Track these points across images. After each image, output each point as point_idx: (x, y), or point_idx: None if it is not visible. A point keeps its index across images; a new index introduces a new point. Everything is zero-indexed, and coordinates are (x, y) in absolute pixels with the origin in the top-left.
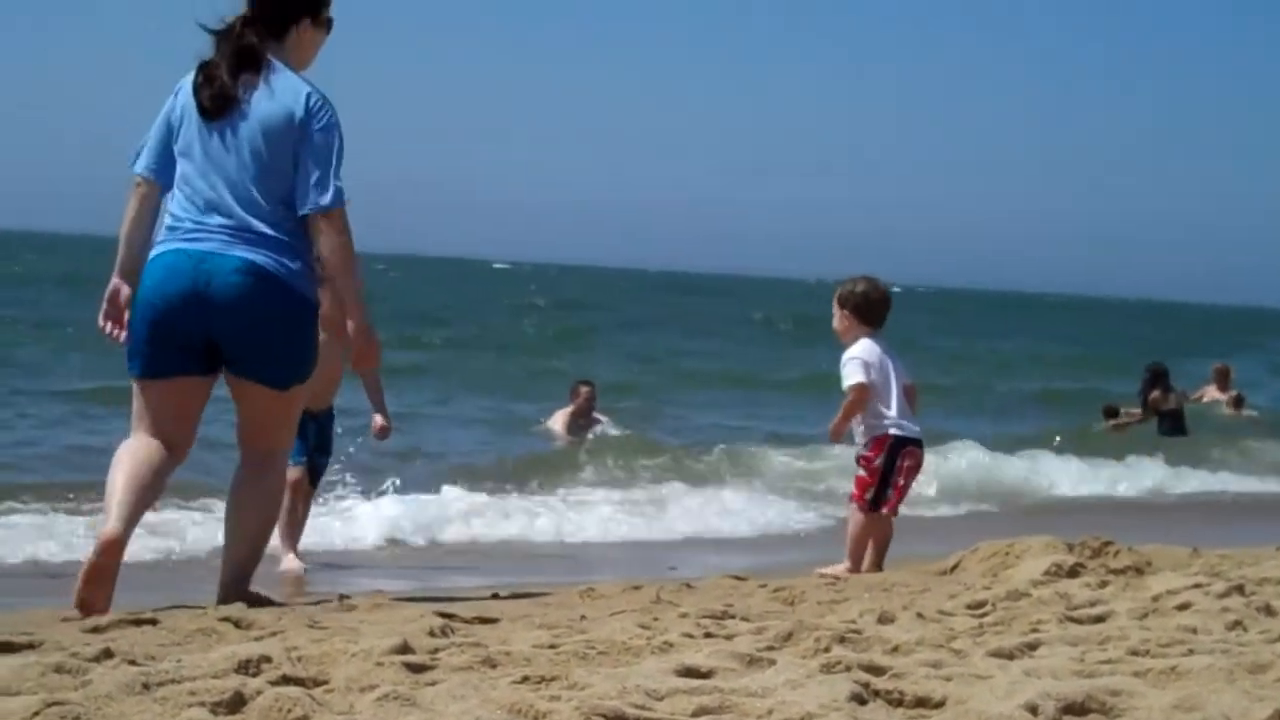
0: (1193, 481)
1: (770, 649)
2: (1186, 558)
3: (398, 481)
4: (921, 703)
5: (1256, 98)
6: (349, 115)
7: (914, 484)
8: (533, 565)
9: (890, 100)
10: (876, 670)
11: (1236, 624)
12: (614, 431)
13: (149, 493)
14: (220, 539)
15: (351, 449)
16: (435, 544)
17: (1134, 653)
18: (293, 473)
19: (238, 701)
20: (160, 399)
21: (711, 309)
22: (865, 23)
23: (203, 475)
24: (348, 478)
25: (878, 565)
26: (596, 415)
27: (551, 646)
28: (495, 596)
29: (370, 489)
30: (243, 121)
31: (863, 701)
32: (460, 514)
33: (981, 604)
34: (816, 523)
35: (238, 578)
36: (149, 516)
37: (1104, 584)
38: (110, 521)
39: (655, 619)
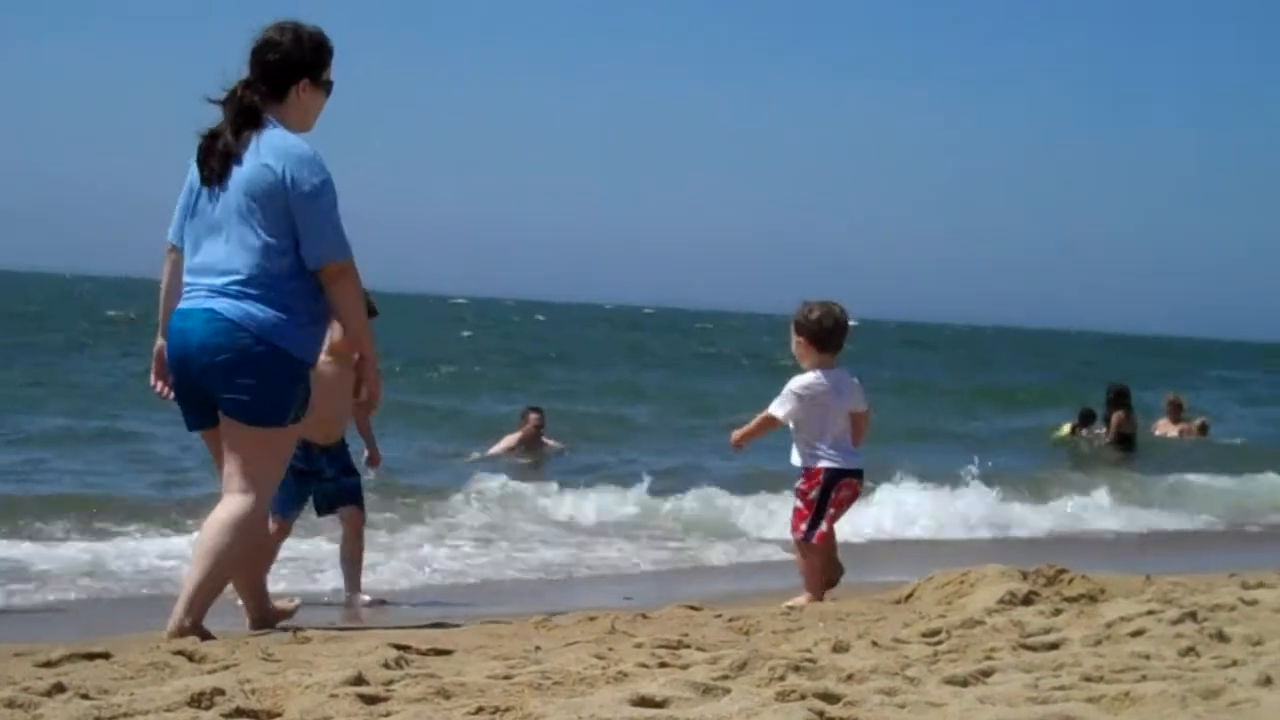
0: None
1: (725, 678)
2: (1140, 585)
3: None
4: None
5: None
6: None
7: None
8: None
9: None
10: (831, 698)
11: (1189, 650)
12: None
13: (257, 568)
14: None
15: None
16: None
17: (1088, 679)
18: (272, 522)
19: None
20: (214, 449)
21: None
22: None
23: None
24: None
25: (834, 581)
26: (547, 440)
27: (506, 677)
28: (449, 627)
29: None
30: (231, 181)
31: None
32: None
33: (936, 632)
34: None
35: (191, 607)
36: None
37: (1058, 611)
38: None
39: (610, 649)
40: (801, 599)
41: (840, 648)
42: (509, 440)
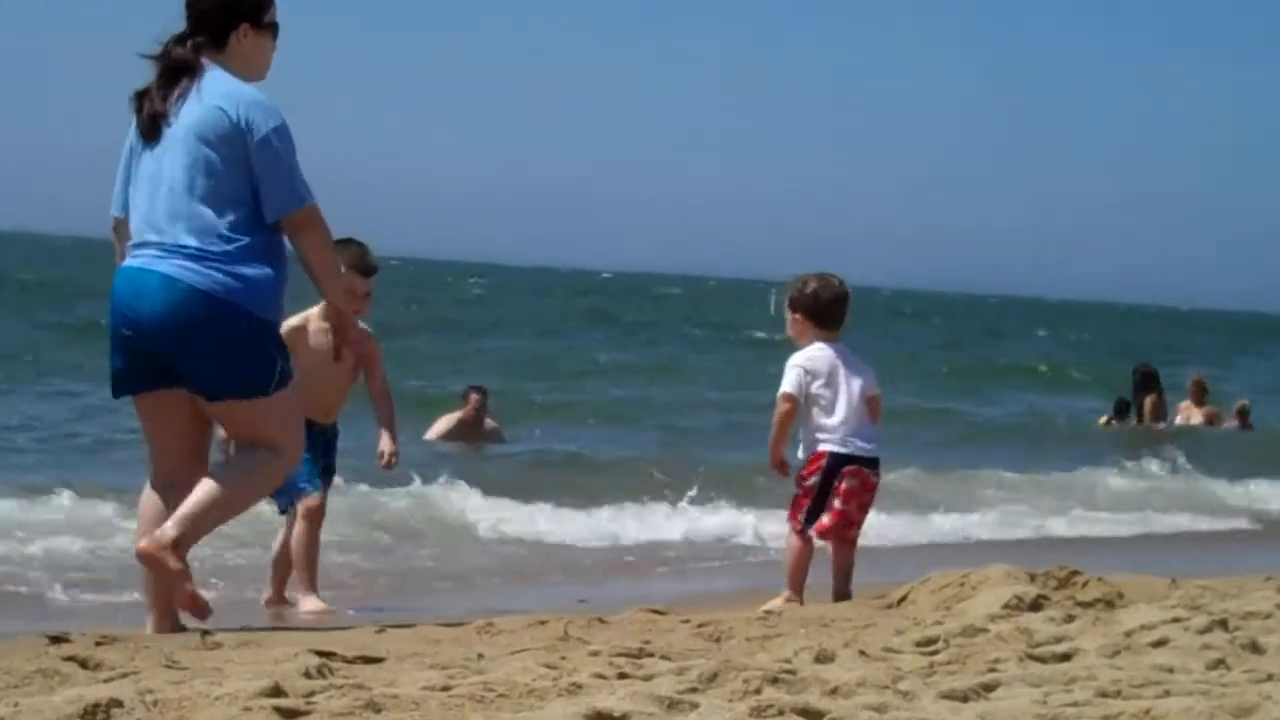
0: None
1: (693, 691)
2: (1164, 589)
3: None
4: None
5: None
6: None
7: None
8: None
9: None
10: (813, 715)
11: (1219, 663)
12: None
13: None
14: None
15: None
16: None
17: (1104, 694)
18: (311, 500)
19: None
20: (151, 420)
21: None
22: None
23: None
24: None
25: (840, 594)
26: (488, 422)
27: (444, 689)
28: (380, 631)
29: None
30: (173, 134)
31: None
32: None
33: (932, 640)
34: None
35: (181, 533)
36: None
37: (1070, 618)
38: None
39: (563, 658)
40: (779, 600)
41: (824, 657)
42: (446, 422)
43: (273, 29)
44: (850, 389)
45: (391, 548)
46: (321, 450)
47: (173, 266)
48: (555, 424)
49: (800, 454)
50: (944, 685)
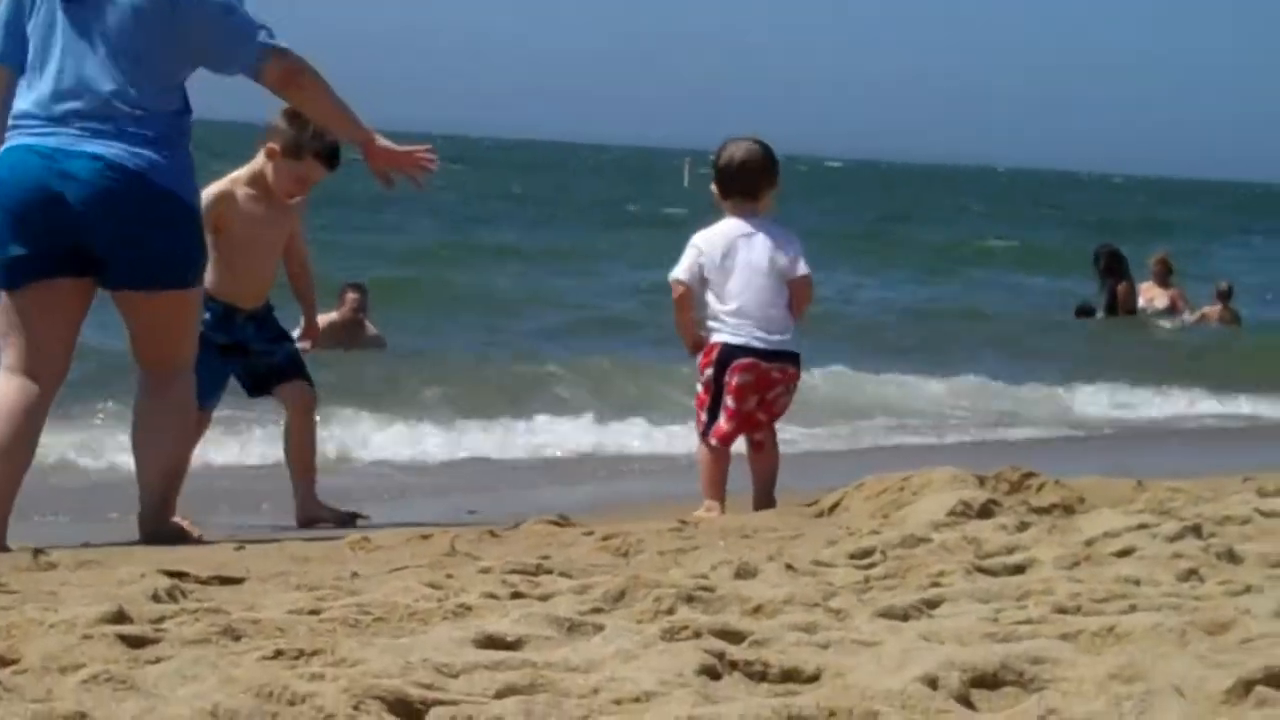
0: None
1: (597, 612)
2: (1129, 492)
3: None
4: (790, 676)
5: None
6: None
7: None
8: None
9: None
10: (733, 636)
11: (1191, 573)
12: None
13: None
14: None
15: None
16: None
17: (1061, 610)
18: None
19: None
20: (46, 314)
21: None
22: None
23: None
24: None
25: (763, 502)
26: (368, 326)
27: (313, 612)
28: (240, 548)
29: None
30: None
31: (715, 675)
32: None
33: (868, 552)
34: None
35: (159, 508)
36: None
37: (1024, 526)
38: None
39: (448, 576)
40: (700, 511)
41: (745, 573)
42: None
43: None
44: (752, 270)
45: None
46: (246, 338)
47: (104, 146)
48: (436, 319)
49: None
50: (881, 602)
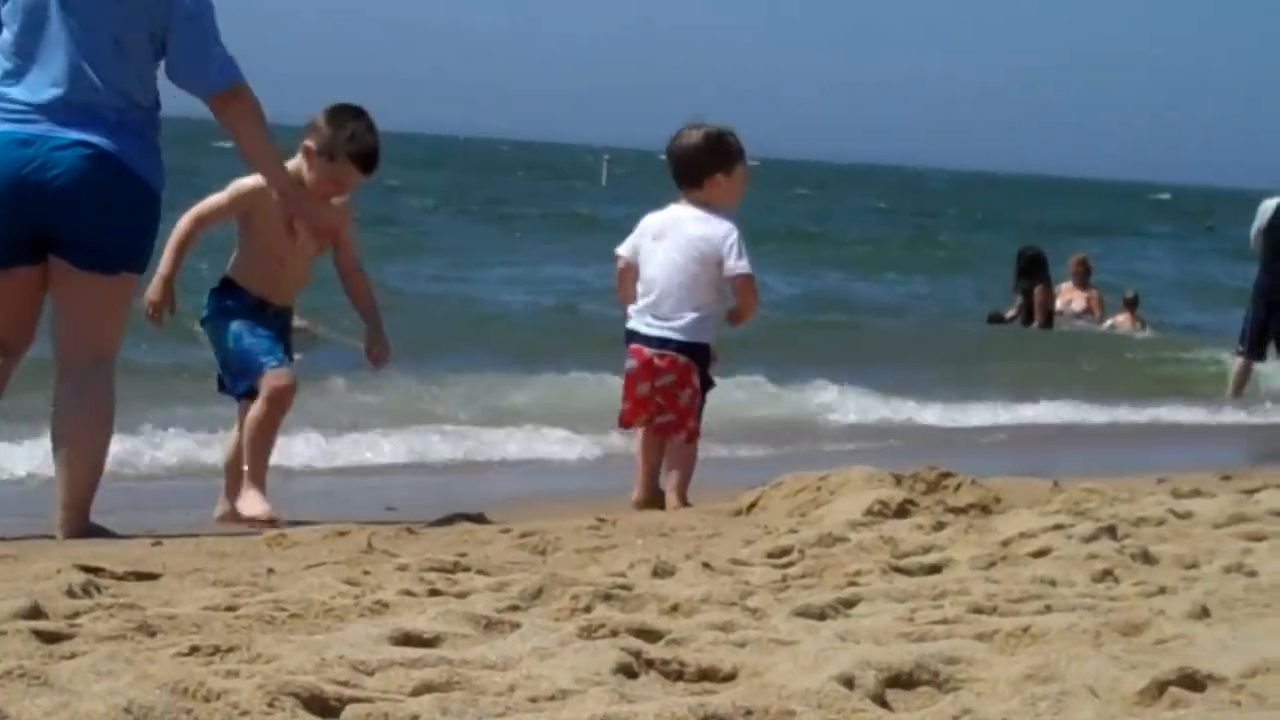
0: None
1: (514, 609)
2: (1045, 492)
3: None
4: (707, 675)
5: None
6: None
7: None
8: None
9: None
10: (650, 635)
11: (1106, 574)
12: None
13: None
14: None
15: None
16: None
17: (977, 610)
18: (278, 377)
19: None
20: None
21: None
22: None
23: None
24: None
25: (676, 499)
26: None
27: (229, 609)
28: (157, 544)
29: None
30: None
31: (632, 674)
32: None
33: (785, 551)
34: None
35: (79, 507)
36: None
37: (940, 526)
38: None
39: (365, 573)
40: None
41: (663, 571)
42: None
43: None
44: (670, 256)
45: None
46: (278, 331)
47: (85, 132)
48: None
49: None
50: (798, 601)
